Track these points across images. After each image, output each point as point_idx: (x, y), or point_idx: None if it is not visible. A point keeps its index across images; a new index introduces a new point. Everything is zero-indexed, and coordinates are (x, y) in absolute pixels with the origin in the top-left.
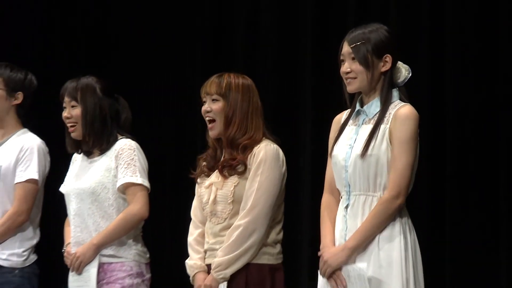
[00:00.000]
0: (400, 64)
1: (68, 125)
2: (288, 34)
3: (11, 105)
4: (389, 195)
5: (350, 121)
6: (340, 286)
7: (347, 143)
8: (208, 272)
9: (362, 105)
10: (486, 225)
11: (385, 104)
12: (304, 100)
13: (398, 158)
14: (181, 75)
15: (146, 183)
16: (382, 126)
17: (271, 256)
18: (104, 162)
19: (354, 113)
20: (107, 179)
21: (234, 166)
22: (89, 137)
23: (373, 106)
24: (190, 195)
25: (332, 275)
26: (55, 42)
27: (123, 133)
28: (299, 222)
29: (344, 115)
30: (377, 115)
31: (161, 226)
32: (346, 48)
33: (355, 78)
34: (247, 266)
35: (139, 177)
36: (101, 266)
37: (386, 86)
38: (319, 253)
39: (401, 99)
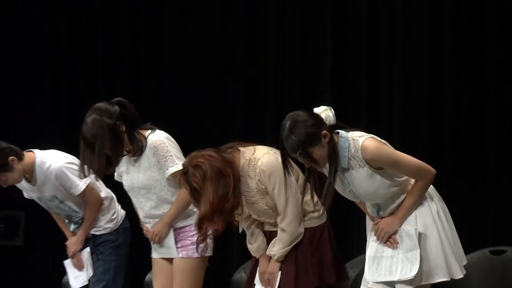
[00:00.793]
0: (317, 114)
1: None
2: None
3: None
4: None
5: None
6: (394, 244)
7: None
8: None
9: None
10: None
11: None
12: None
13: (404, 163)
14: None
15: None
16: (360, 170)
17: (317, 219)
18: (145, 161)
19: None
20: (155, 174)
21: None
22: (120, 156)
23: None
24: None
25: (389, 238)
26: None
27: (144, 127)
28: None
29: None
30: (349, 162)
31: None
32: (293, 155)
33: (318, 164)
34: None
35: (179, 164)
36: (175, 230)
37: (333, 145)
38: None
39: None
